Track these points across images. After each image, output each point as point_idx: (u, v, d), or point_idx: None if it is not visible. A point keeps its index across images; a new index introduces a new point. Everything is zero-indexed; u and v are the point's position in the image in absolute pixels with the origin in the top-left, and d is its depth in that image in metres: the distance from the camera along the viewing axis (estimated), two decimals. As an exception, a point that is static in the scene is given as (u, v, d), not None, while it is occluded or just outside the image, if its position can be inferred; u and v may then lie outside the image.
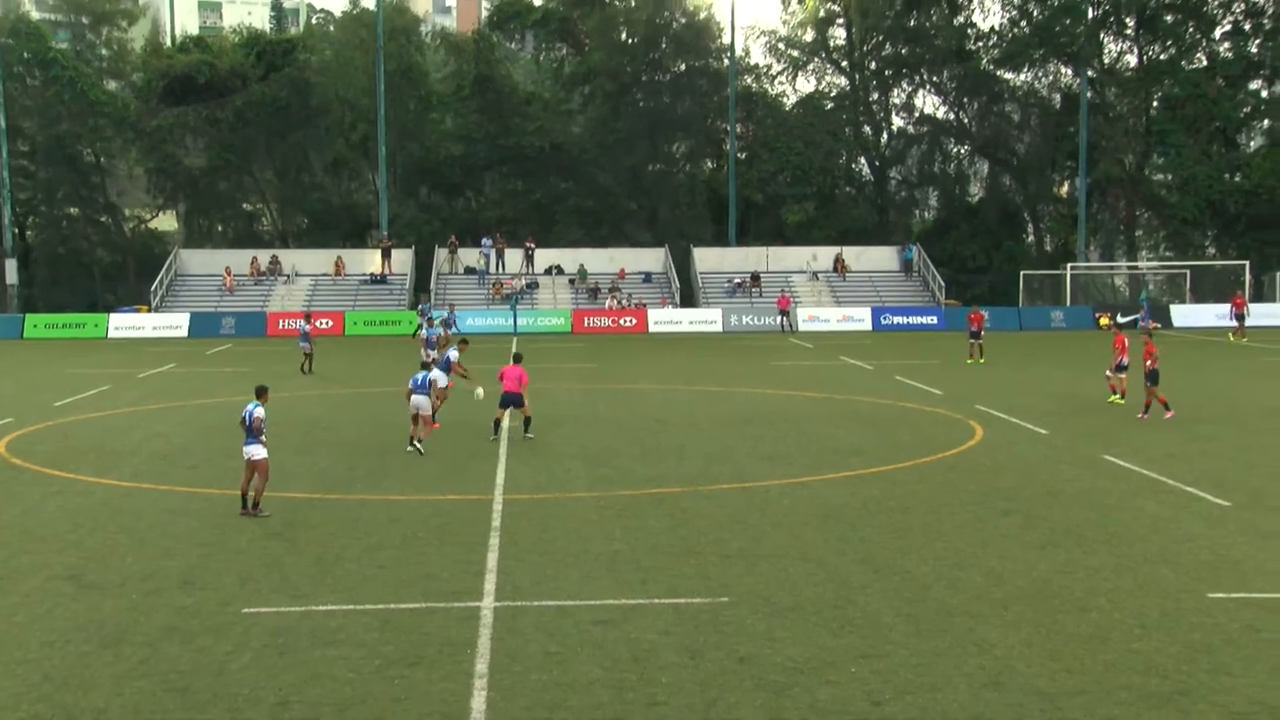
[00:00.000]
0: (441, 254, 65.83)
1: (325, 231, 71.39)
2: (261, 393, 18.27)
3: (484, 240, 66.16)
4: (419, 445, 23.55)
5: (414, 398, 23.65)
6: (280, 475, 18.75)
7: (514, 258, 65.72)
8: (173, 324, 59.08)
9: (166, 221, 77.58)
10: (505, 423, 25.33)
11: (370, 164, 70.94)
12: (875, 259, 67.00)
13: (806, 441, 24.90)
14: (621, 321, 59.88)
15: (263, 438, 17.75)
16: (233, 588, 14.27)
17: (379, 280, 64.30)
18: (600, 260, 65.73)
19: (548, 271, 65.47)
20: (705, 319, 60.29)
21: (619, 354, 46.70)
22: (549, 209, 71.25)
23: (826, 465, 22.02)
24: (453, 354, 27.91)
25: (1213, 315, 59.68)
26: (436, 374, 25.26)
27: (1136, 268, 71.06)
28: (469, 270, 65.49)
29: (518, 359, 25.34)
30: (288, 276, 64.57)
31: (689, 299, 64.06)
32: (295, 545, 16.26)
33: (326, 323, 57.36)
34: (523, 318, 59.49)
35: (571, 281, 64.48)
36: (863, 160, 76.17)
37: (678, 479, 20.74)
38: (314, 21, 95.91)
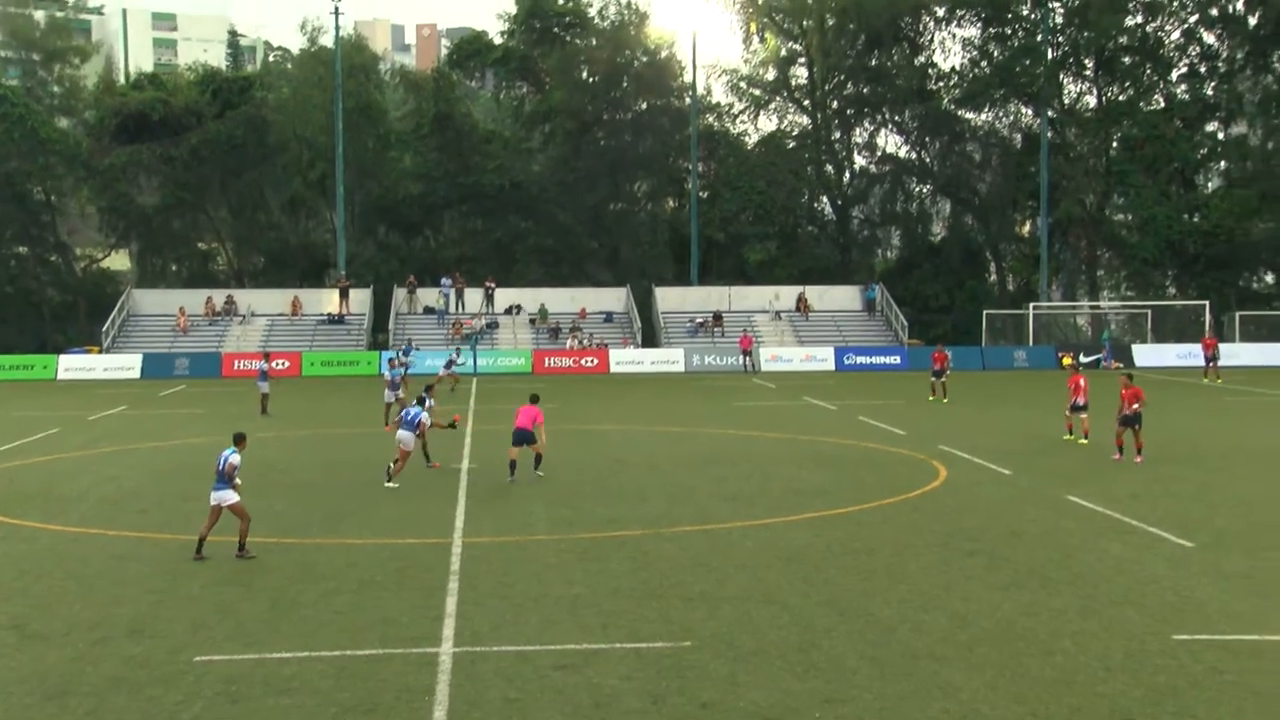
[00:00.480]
0: (400, 294, 65.68)
1: (282, 271, 71.09)
2: (240, 440, 18.38)
3: (443, 280, 66.08)
4: (391, 482, 24.17)
5: (400, 433, 24.63)
6: (233, 519, 18.54)
7: (474, 297, 65.66)
8: (125, 365, 58.52)
9: (119, 261, 76.99)
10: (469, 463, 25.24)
11: (328, 203, 70.80)
12: (838, 298, 67.41)
13: (769, 483, 24.93)
14: (583, 362, 59.87)
15: (236, 482, 17.79)
16: (184, 635, 14.08)
17: (337, 320, 64.04)
18: (561, 300, 65.77)
19: (508, 311, 65.44)
20: (667, 359, 60.40)
21: (580, 394, 46.65)
22: (509, 248, 71.31)
23: (790, 507, 22.05)
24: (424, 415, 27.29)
25: (1174, 355, 60.36)
26: (424, 414, 25.51)
27: (1098, 307, 71.78)
28: (428, 310, 65.38)
29: (534, 399, 25.55)
30: (243, 316, 64.20)
31: (651, 339, 64.17)
32: (249, 591, 16.08)
33: (283, 363, 56.99)
34: (483, 358, 59.36)
35: (532, 321, 64.47)
36: (825, 199, 76.72)
37: (639, 521, 20.71)
38: (271, 59, 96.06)
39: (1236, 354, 59.83)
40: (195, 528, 18.51)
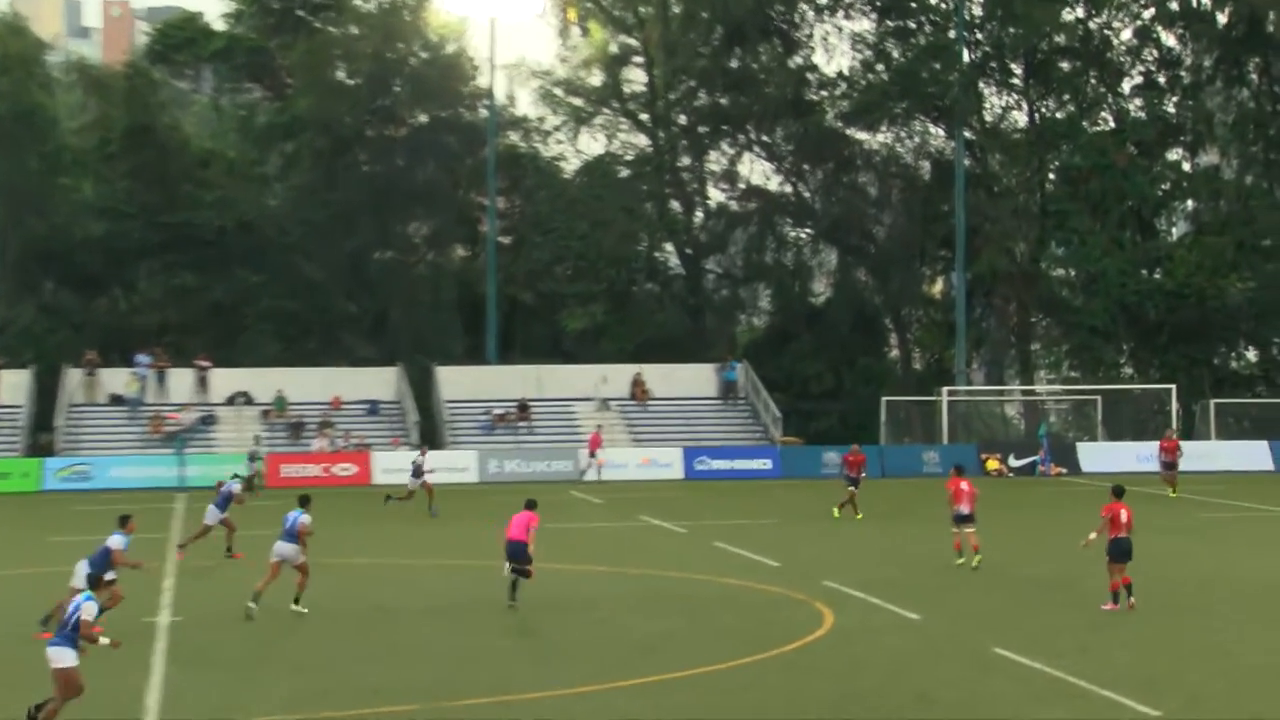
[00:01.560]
0: (75, 376, 64.07)
1: (-109, 346, 68.58)
2: (96, 583, 18.67)
3: (138, 357, 64.76)
4: (298, 606, 26.04)
5: (278, 545, 26.36)
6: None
7: (181, 381, 64.45)
8: None
9: None
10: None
11: (-33, 248, 68.92)
12: (687, 381, 67.90)
13: (595, 634, 24.95)
14: (335, 469, 59.08)
15: (101, 640, 17.89)
16: None
17: (-20, 414, 62.22)
18: (306, 384, 64.89)
19: (230, 400, 64.36)
20: (453, 465, 59.75)
21: (331, 515, 45.72)
22: (233, 313, 70.18)
23: (622, 667, 22.04)
24: (116, 540, 26.63)
25: (1132, 456, 61.74)
26: (305, 517, 26.95)
27: (1033, 393, 73.59)
28: (116, 399, 63.89)
29: (531, 505, 28.04)
30: None
31: (431, 437, 63.69)
32: None
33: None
34: (193, 466, 58.15)
35: (265, 414, 63.53)
36: (670, 247, 77.56)
37: (413, 690, 20.51)
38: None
39: (1212, 455, 61.71)
40: None
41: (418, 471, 46.88)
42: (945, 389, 67.51)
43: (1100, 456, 62.99)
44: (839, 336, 73.07)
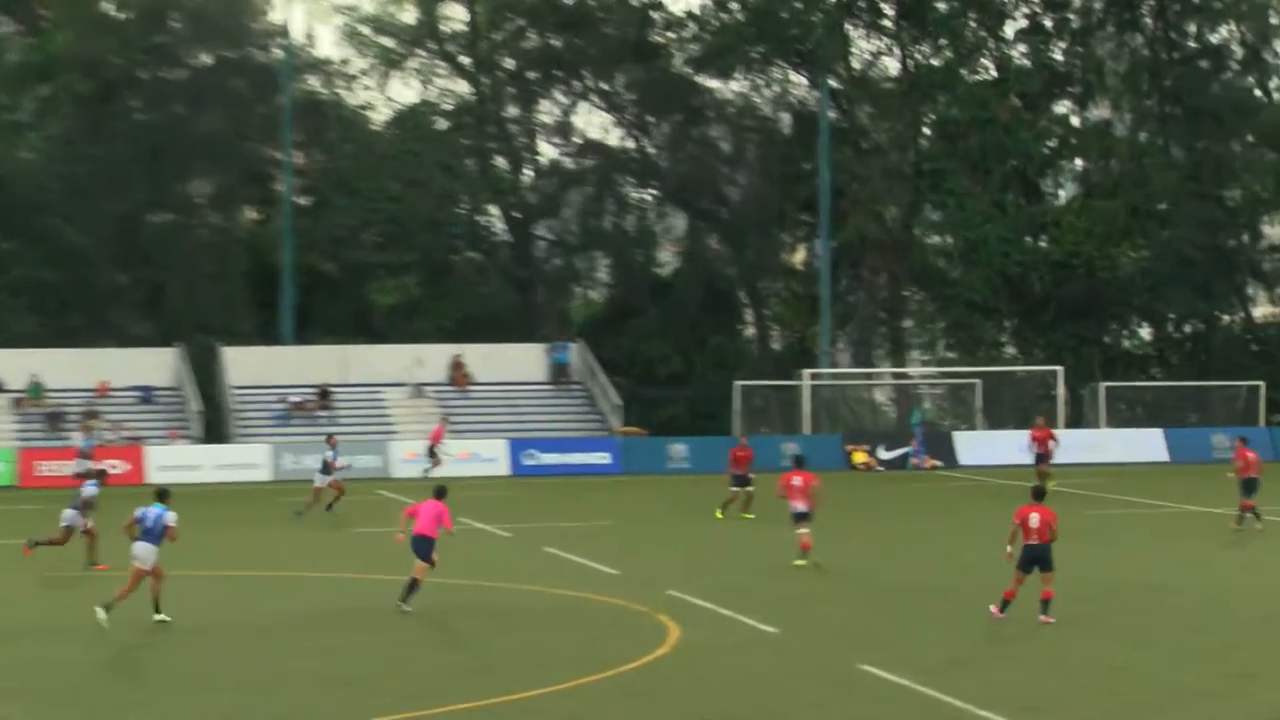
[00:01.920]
0: None
1: None
2: None
3: None
4: (161, 614, 26.57)
5: (136, 545, 27.03)
6: None
7: (-82, 364, 63.31)
8: None
9: None
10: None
11: None
12: (514, 363, 67.83)
13: (406, 654, 24.84)
14: (103, 466, 58.16)
15: None
16: None
17: None
18: (68, 368, 63.94)
19: (-22, 387, 63.37)
20: (242, 460, 59.47)
21: (101, 520, 45.23)
22: (-20, 284, 69.05)
23: (435, 692, 21.94)
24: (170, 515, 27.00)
25: (1014, 447, 62.75)
26: (170, 514, 27.55)
27: (905, 376, 74.43)
28: None
29: (441, 494, 29.06)
30: None
31: (217, 429, 63.08)
32: None
33: None
34: (-66, 464, 57.17)
35: (18, 402, 62.54)
36: (494, 210, 77.39)
37: (190, 725, 20.21)
38: None
39: (1101, 445, 62.90)
40: None
41: (327, 468, 46.18)
42: (807, 372, 68.11)
43: (979, 447, 63.87)
44: (687, 313, 73.39)
